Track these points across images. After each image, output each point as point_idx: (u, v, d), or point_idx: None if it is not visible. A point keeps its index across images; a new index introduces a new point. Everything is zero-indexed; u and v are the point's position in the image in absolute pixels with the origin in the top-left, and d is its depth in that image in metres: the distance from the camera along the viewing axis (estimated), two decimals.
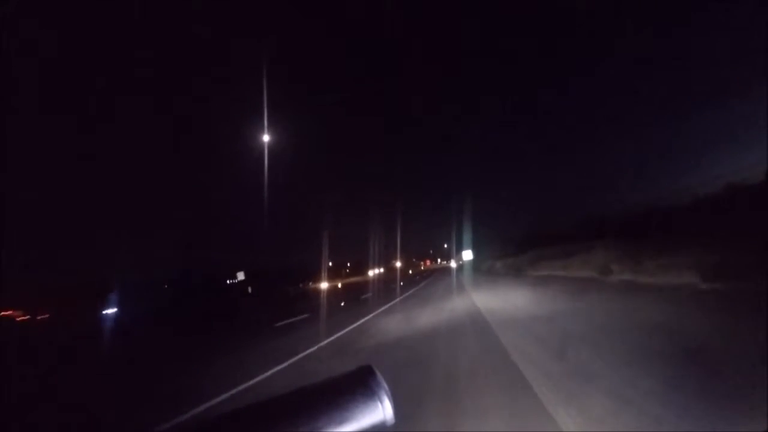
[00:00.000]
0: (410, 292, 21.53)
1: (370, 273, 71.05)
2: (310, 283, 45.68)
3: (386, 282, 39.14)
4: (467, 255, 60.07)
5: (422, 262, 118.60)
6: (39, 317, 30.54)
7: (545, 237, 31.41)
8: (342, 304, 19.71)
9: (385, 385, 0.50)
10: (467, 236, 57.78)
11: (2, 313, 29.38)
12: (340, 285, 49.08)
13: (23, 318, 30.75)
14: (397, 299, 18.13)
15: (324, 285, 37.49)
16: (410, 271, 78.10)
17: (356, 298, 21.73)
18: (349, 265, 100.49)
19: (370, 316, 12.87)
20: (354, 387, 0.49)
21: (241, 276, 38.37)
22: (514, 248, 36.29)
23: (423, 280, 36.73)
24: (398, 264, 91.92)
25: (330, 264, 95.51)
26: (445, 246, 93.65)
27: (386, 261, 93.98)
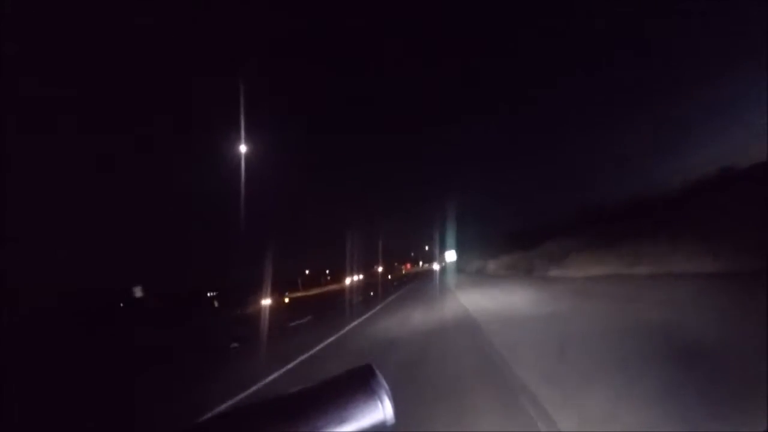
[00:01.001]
0: (375, 309, 13.41)
1: (347, 281, 63.35)
2: (245, 302, 35.73)
3: (356, 292, 30.73)
4: (450, 256, 53.48)
5: (403, 266, 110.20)
6: None
7: (555, 229, 23.99)
8: (234, 345, 11.02)
9: (385, 384, 0.48)
10: (450, 236, 51.05)
11: None
12: (287, 300, 39.48)
13: None
14: (351, 325, 9.79)
15: (266, 302, 28.54)
16: (389, 276, 69.82)
17: (282, 328, 13.16)
18: (328, 272, 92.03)
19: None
20: (354, 387, 0.47)
21: (138, 293, 29.02)
22: (511, 245, 28.45)
23: (402, 287, 28.85)
24: (380, 269, 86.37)
25: (307, 272, 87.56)
26: (426, 248, 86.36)
27: (367, 266, 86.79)
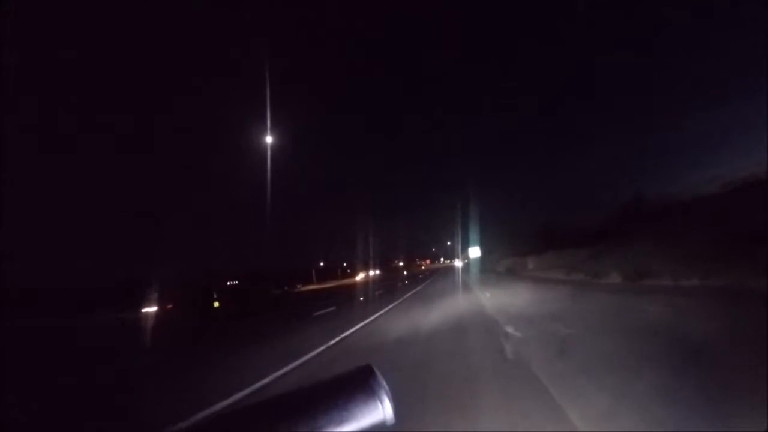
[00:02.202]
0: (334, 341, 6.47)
1: (358, 277, 57.09)
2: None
3: (349, 294, 23.67)
4: (474, 252, 45.40)
5: (422, 262, 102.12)
6: None
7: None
8: None
9: (385, 384, 0.47)
10: (474, 231, 43.48)
11: None
12: (217, 303, 27.84)
13: None
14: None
15: (150, 309, 21.04)
16: (405, 272, 62.42)
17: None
18: (346, 265, 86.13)
19: None
20: (354, 387, 0.46)
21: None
22: (561, 239, 20.44)
23: (415, 286, 21.54)
24: (401, 264, 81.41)
25: (322, 264, 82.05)
26: (449, 243, 78.37)
27: (388, 261, 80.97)
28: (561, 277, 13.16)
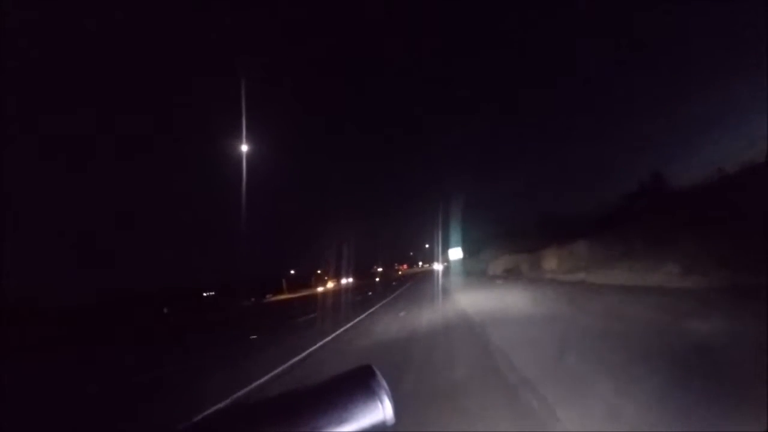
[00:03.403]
0: None
1: (320, 288, 51.51)
2: None
3: (289, 311, 17.30)
4: (455, 254, 40.75)
5: (400, 267, 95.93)
6: None
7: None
8: None
9: (385, 385, 0.47)
10: (455, 231, 38.78)
11: None
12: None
13: None
14: None
15: None
16: (377, 279, 56.61)
17: None
18: (320, 272, 79.24)
19: None
20: (354, 387, 0.46)
21: None
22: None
23: (384, 297, 16.31)
24: (380, 269, 79.87)
25: (293, 272, 75.16)
26: (427, 246, 73.18)
27: (367, 266, 77.00)
28: (684, 284, 7.03)
